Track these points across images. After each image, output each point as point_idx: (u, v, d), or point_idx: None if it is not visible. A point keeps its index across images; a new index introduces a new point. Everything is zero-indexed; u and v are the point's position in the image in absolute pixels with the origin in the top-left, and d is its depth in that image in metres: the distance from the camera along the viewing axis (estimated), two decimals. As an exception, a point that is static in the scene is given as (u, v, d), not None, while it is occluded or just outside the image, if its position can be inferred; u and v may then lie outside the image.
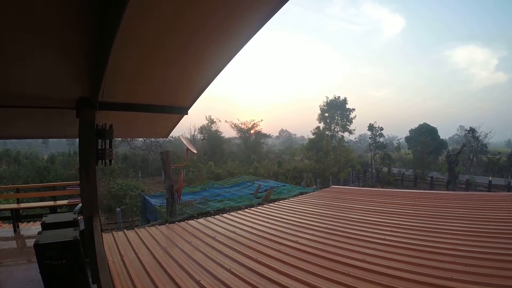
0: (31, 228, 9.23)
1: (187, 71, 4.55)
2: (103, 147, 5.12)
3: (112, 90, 4.61)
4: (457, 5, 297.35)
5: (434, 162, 49.05)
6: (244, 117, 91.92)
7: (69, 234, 4.81)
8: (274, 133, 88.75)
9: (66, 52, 3.36)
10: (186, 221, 9.16)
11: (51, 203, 9.36)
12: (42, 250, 4.45)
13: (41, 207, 9.78)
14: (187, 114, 6.18)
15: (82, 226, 5.53)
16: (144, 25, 2.97)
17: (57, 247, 4.51)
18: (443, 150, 53.44)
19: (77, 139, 5.02)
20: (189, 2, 2.76)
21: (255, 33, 3.34)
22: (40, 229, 5.33)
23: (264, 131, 57.56)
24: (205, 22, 3.12)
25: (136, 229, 8.39)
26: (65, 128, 6.44)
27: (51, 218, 5.89)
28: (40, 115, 5.37)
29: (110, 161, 5.25)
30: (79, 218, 6.10)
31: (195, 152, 11.55)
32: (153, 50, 3.68)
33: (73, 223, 5.65)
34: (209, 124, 53.80)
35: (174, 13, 2.88)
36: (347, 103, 60.91)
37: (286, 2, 2.78)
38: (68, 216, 6.06)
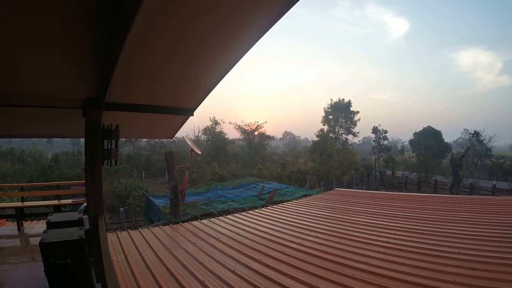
0: (35, 227, 9.24)
1: (196, 74, 4.58)
2: (109, 147, 5.14)
3: (121, 92, 4.64)
4: (462, 8, 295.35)
5: (438, 165, 48.84)
6: (248, 119, 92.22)
7: (74, 233, 4.81)
8: (278, 135, 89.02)
9: (73, 53, 3.38)
10: (190, 221, 9.17)
11: (55, 202, 9.36)
12: (47, 249, 4.46)
13: (45, 206, 9.81)
14: (192, 115, 6.20)
15: (86, 225, 5.54)
16: (157, 31, 3.01)
17: (62, 246, 4.52)
18: (447, 154, 53.25)
19: (83, 139, 5.04)
20: (199, 14, 2.81)
21: (260, 38, 3.40)
22: (45, 228, 5.34)
23: (268, 133, 57.67)
24: (215, 29, 3.17)
25: (140, 229, 8.41)
26: (72, 127, 6.46)
27: (56, 217, 5.88)
28: (46, 115, 5.40)
29: (115, 161, 5.27)
30: (84, 217, 6.11)
31: (200, 153, 11.58)
32: (166, 55, 3.72)
33: (78, 222, 5.65)
34: (213, 125, 53.89)
35: (189, 20, 2.92)
36: (351, 106, 60.97)
37: (286, 12, 2.83)
38: (73, 215, 6.05)
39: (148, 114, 5.71)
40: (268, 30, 3.21)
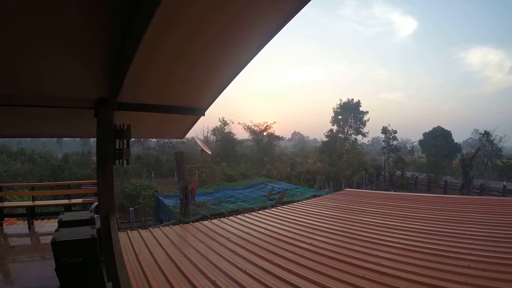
0: (45, 226, 9.31)
1: (207, 74, 4.58)
2: (121, 147, 5.15)
3: (133, 91, 4.64)
4: (470, 7, 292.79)
5: (448, 166, 48.57)
6: (257, 119, 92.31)
7: (86, 232, 4.84)
8: (287, 135, 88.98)
9: (86, 53, 3.38)
10: (200, 221, 9.19)
11: (65, 201, 9.42)
12: (59, 247, 4.49)
13: (56, 205, 9.87)
14: (204, 115, 6.19)
15: (98, 224, 5.56)
16: (169, 31, 3.01)
17: (74, 245, 4.55)
18: (457, 154, 52.82)
19: (93, 139, 5.07)
20: (209, 13, 2.81)
21: (270, 40, 3.39)
22: (56, 227, 5.37)
23: (276, 133, 57.51)
24: (225, 29, 3.17)
25: (150, 228, 8.44)
26: (83, 127, 6.50)
27: (68, 216, 5.90)
28: (59, 115, 5.43)
29: (127, 161, 5.28)
30: (95, 216, 6.13)
31: (210, 153, 11.60)
32: (177, 54, 3.71)
33: (90, 221, 5.67)
34: (222, 125, 53.87)
35: (198, 21, 2.92)
36: (360, 106, 60.71)
37: (296, 13, 2.81)
38: (85, 214, 6.08)
39: (159, 114, 5.71)
40: (278, 31, 3.20)
